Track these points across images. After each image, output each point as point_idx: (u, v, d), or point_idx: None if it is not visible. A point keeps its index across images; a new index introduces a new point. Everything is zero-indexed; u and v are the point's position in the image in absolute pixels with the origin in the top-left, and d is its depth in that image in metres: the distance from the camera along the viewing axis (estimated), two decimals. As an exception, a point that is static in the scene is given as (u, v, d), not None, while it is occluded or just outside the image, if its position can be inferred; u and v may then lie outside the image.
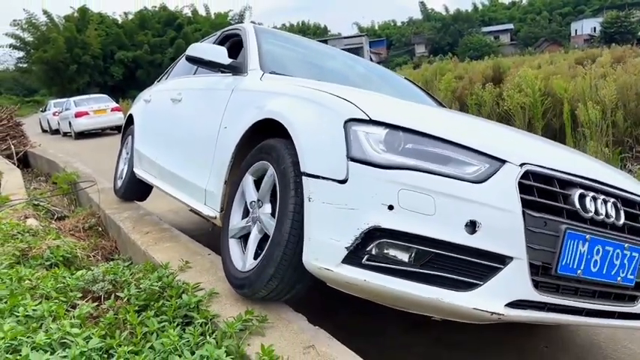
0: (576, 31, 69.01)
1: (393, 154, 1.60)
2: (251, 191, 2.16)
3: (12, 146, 9.07)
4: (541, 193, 1.64)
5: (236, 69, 2.81)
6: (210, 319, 1.87)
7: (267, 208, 2.05)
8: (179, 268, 2.41)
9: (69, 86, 41.12)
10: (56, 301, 2.15)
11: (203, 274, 2.34)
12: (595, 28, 62.90)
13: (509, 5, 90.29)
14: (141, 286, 2.21)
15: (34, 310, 1.98)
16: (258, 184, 2.16)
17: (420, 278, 1.55)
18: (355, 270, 1.57)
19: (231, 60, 2.84)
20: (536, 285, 1.61)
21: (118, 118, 17.52)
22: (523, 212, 1.56)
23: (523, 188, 1.59)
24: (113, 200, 4.30)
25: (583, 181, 1.76)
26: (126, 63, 46.09)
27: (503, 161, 1.62)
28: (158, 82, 4.69)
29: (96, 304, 2.18)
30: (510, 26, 78.69)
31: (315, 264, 1.64)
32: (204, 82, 3.25)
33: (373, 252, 1.56)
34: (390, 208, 1.53)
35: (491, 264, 1.55)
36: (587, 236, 1.67)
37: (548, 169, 1.69)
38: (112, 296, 2.17)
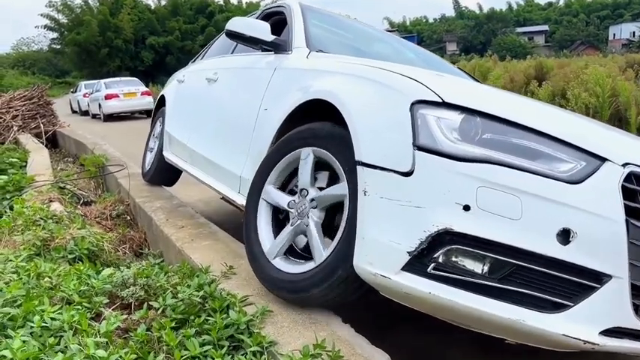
0: (614, 35, 67.05)
1: (469, 143, 1.37)
2: (282, 196, 1.95)
3: (41, 125, 8.87)
4: None
5: (279, 47, 2.59)
6: (266, 348, 1.50)
7: (315, 191, 1.82)
8: (222, 275, 2.05)
9: (100, 69, 41.36)
10: (79, 307, 1.81)
11: (251, 284, 1.97)
12: (634, 32, 60.97)
13: (545, 6, 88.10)
14: (178, 294, 1.85)
15: (52, 319, 1.64)
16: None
17: (498, 294, 1.31)
18: (418, 280, 1.35)
19: (274, 37, 2.60)
20: (637, 310, 1.36)
21: (148, 102, 17.36)
22: (626, 221, 1.31)
23: (626, 193, 1.34)
24: (144, 187, 3.98)
25: None
26: (156, 48, 46.20)
27: (603, 159, 1.37)
28: (193, 62, 4.42)
29: (125, 314, 1.83)
30: (545, 27, 76.89)
31: (368, 269, 1.42)
32: (243, 60, 3.05)
33: (441, 259, 1.34)
34: (466, 208, 1.30)
35: (585, 282, 1.31)
36: None
37: None
38: (145, 305, 1.82)
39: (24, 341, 1.49)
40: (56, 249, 2.51)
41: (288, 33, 2.68)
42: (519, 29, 73.95)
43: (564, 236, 1.29)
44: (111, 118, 16.96)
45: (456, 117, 1.41)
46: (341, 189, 1.68)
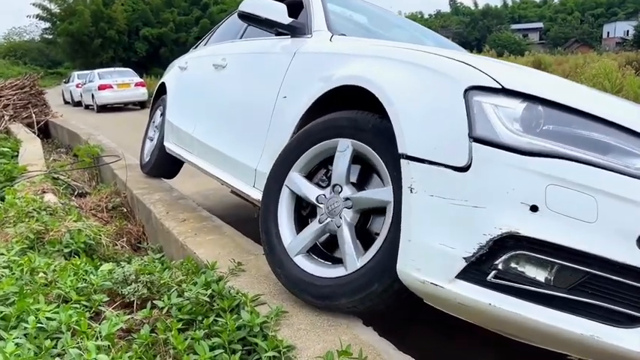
0: (608, 33, 67.29)
1: (533, 135, 1.22)
2: (310, 187, 1.78)
3: (33, 115, 8.66)
4: None
5: (297, 30, 2.41)
6: (284, 353, 1.38)
7: (350, 190, 1.66)
8: (229, 271, 1.92)
9: (93, 60, 40.82)
10: (76, 305, 1.67)
11: (261, 282, 1.85)
12: (628, 31, 61.08)
13: (540, 3, 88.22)
14: (184, 293, 1.73)
15: (48, 319, 1.51)
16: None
17: (568, 306, 1.17)
18: (476, 289, 1.21)
19: (291, 19, 2.42)
20: None
21: (142, 94, 17.11)
22: None
23: None
24: (141, 179, 3.83)
25: None
26: (150, 40, 45.68)
27: None
28: (195, 49, 4.21)
29: (127, 313, 1.70)
30: (540, 25, 77.04)
31: (416, 275, 1.28)
32: (256, 45, 2.83)
33: (501, 267, 1.19)
34: (534, 209, 1.16)
35: None
36: None
37: None
38: (148, 305, 1.69)
39: (18, 344, 1.36)
40: (51, 242, 2.36)
41: (305, 16, 2.51)
42: (514, 26, 74.13)
43: None
44: (104, 109, 16.68)
45: (518, 105, 1.26)
46: (385, 194, 1.51)
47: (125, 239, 3.14)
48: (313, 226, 1.71)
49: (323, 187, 1.77)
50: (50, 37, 46.80)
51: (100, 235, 2.55)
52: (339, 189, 1.66)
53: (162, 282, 1.81)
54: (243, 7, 2.45)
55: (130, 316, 1.68)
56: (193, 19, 47.71)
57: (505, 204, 1.18)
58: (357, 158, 1.68)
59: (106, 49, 42.97)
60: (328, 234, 1.70)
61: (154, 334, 1.53)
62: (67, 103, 21.85)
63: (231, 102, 2.81)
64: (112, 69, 19.35)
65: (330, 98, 1.83)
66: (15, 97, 8.94)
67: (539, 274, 1.20)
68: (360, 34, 2.54)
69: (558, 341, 1.23)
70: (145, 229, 3.20)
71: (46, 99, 9.79)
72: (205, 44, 4.00)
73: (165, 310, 1.65)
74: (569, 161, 1.18)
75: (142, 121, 4.71)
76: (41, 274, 1.93)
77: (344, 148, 1.66)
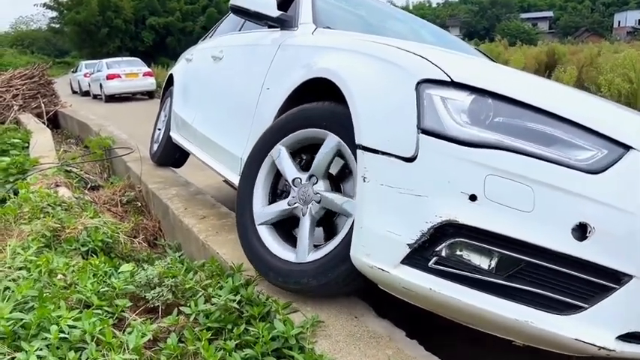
0: (619, 22, 66.42)
1: (479, 127, 1.26)
2: (291, 166, 1.79)
3: (42, 105, 8.59)
4: None
5: (285, 23, 2.46)
6: (324, 368, 1.28)
7: (324, 184, 1.69)
8: (257, 274, 1.82)
9: (100, 49, 40.79)
10: (99, 311, 1.59)
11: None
12: (639, 20, 60.24)
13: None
14: (212, 298, 1.63)
15: (70, 326, 1.42)
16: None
17: (506, 293, 1.22)
18: (418, 274, 1.26)
19: (280, 12, 2.48)
20: None
21: (150, 83, 17.01)
22: None
23: None
24: (156, 172, 3.74)
25: None
26: (157, 29, 45.52)
27: (627, 147, 1.24)
28: (202, 40, 4.24)
29: (152, 320, 1.61)
30: (550, 14, 76.15)
31: (365, 261, 1.33)
32: (249, 37, 2.92)
33: (444, 253, 1.24)
34: (473, 198, 1.20)
35: (603, 282, 1.20)
36: None
37: None
38: (174, 311, 1.60)
39: (40, 357, 1.27)
40: (68, 240, 2.28)
41: (295, 8, 2.55)
42: (523, 15, 73.27)
43: (581, 232, 1.18)
44: (112, 99, 16.59)
45: (466, 98, 1.30)
46: (349, 206, 1.56)
47: (141, 235, 3.06)
48: (281, 205, 1.77)
49: (303, 171, 1.77)
50: (57, 26, 46.82)
51: (117, 232, 2.46)
52: (315, 180, 1.69)
53: (187, 286, 1.71)
54: (233, 1, 2.47)
55: (156, 325, 1.60)
56: (200, 8, 47.49)
57: (446, 193, 1.23)
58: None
59: (113, 39, 42.89)
60: (294, 216, 1.75)
61: (182, 345, 1.44)
62: (74, 92, 21.79)
63: (223, 93, 2.89)
64: (120, 58, 19.23)
65: (310, 91, 1.83)
66: (24, 87, 8.86)
67: (478, 261, 1.23)
68: (350, 27, 2.51)
69: (496, 326, 1.27)
70: (161, 225, 3.11)
71: (55, 89, 9.72)
72: (211, 36, 4.04)
73: (192, 318, 1.56)
74: (509, 152, 1.21)
75: (150, 111, 4.68)
76: (60, 276, 1.85)
77: (331, 143, 1.65)
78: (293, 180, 1.75)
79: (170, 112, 3.88)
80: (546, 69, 13.36)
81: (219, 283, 1.78)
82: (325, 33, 2.23)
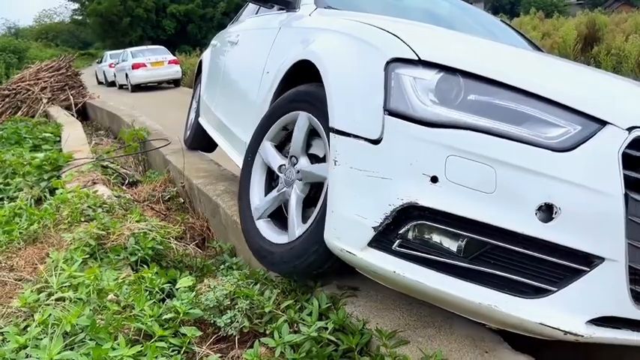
0: (652, -10, 63.84)
1: (447, 107, 1.22)
2: (274, 155, 1.84)
3: (70, 97, 8.43)
4: None
5: (290, 4, 2.46)
6: None
7: (304, 161, 1.70)
8: (341, 292, 1.53)
9: (122, 39, 40.91)
10: (162, 344, 1.31)
11: (387, 305, 1.45)
12: (673, -13, 57.72)
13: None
14: (297, 324, 1.34)
15: (133, 369, 1.15)
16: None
17: (470, 276, 1.18)
18: (384, 257, 1.25)
19: None
20: (637, 297, 1.17)
21: (175, 71, 16.82)
22: (626, 196, 1.13)
23: (630, 162, 1.15)
24: (199, 165, 3.47)
25: None
26: (178, 17, 45.36)
27: (604, 122, 1.18)
28: (230, 25, 4.18)
29: (225, 352, 1.33)
30: (578, -16, 73.63)
31: (336, 244, 1.33)
32: (260, 21, 2.97)
33: (409, 236, 1.22)
34: (434, 180, 1.19)
35: (572, 265, 1.15)
36: None
37: None
38: (256, 343, 1.31)
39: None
40: (114, 249, 2.02)
41: None
42: (550, -13, 70.95)
43: (547, 212, 1.13)
44: (138, 88, 16.46)
45: (433, 76, 1.26)
46: (323, 170, 1.53)
47: (188, 235, 2.80)
48: (273, 194, 1.78)
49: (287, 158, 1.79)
50: (80, 17, 47.12)
51: (169, 238, 2.19)
52: (295, 160, 1.70)
53: (266, 309, 1.42)
54: None
55: (228, 348, 1.32)
56: (220, -6, 47.13)
57: (408, 175, 1.21)
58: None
59: (135, 28, 42.95)
60: (285, 201, 1.74)
61: (270, 389, 1.15)
62: (100, 83, 21.78)
63: (235, 77, 2.93)
64: (144, 47, 19.02)
65: (304, 75, 1.77)
66: (52, 79, 8.71)
67: (442, 244, 1.20)
68: (359, 7, 2.37)
69: (462, 310, 1.24)
70: (209, 224, 2.84)
71: (82, 80, 9.56)
72: (236, 21, 4.01)
73: (278, 352, 1.27)
74: (472, 131, 1.17)
75: (178, 99, 4.61)
76: (111, 296, 1.59)
77: (301, 121, 1.69)
78: (279, 168, 1.78)
79: (199, 98, 3.93)
80: (586, 42, 12.66)
81: (297, 303, 1.49)
82: (323, 13, 2.18)
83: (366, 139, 1.29)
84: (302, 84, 1.77)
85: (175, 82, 17.07)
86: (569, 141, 1.16)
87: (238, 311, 1.42)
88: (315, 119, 1.61)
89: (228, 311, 1.43)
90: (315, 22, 2.11)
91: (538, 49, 3.12)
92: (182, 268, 2.15)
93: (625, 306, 1.16)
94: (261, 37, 2.60)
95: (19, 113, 7.79)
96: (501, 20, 3.46)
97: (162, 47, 18.86)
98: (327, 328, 1.31)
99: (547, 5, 57.69)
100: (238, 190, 1.93)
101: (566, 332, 1.14)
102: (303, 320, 1.37)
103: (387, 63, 1.31)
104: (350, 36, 1.58)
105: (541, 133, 1.17)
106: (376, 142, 1.26)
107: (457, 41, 1.65)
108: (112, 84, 19.53)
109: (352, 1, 2.47)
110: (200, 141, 3.89)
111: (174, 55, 19.49)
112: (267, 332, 1.37)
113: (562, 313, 1.15)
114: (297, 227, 1.60)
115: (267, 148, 1.86)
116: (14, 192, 3.30)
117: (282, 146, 1.88)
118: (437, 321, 1.37)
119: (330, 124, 1.40)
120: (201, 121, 3.69)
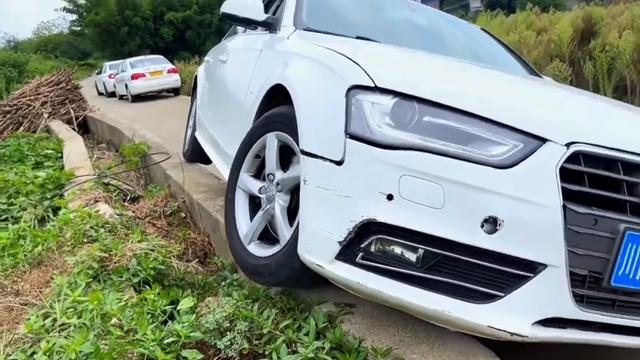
0: (649, -20, 63.64)
1: (401, 130, 1.31)
2: (252, 182, 1.95)
3: (71, 111, 8.50)
4: (596, 181, 1.27)
5: (271, 26, 2.53)
6: None
7: (280, 174, 1.79)
8: (337, 309, 1.56)
9: (121, 49, 41.02)
10: (165, 368, 1.35)
11: (382, 322, 1.49)
12: (671, -23, 57.54)
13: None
14: (295, 345, 1.38)
15: (137, 396, 1.19)
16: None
17: (426, 284, 1.28)
18: (349, 269, 1.34)
19: (267, 16, 2.55)
20: (581, 299, 1.28)
21: (174, 80, 16.91)
22: (564, 207, 1.22)
23: (568, 175, 1.24)
24: (198, 179, 3.51)
25: None
26: (175, 24, 45.43)
27: (544, 140, 1.27)
28: (223, 39, 4.30)
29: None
30: (575, -23, 73.51)
31: (307, 258, 1.43)
32: (246, 41, 3.06)
33: (371, 249, 1.32)
34: (389, 198, 1.28)
35: (517, 272, 1.24)
36: None
37: (610, 149, 1.30)
38: (254, 365, 1.35)
39: None
40: (116, 271, 2.06)
41: (282, 8, 2.60)
42: (547, -20, 70.81)
43: (492, 225, 1.22)
44: (138, 98, 16.53)
45: (388, 101, 1.35)
46: (298, 170, 1.59)
47: (190, 251, 2.85)
48: (258, 214, 1.85)
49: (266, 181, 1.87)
50: (78, 28, 47.20)
51: (170, 257, 2.23)
52: (272, 177, 1.79)
53: (264, 329, 1.46)
54: (223, 8, 2.52)
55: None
56: (217, 0, 47.25)
57: (367, 194, 1.30)
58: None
59: (133, 37, 43.03)
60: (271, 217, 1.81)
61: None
62: (100, 94, 21.88)
63: (222, 95, 3.07)
64: (143, 57, 19.12)
65: (282, 96, 1.83)
66: (52, 94, 8.78)
67: (402, 255, 1.29)
68: (339, 25, 2.44)
69: (422, 315, 1.33)
70: (210, 239, 2.88)
71: (82, 93, 9.62)
72: (228, 36, 4.14)
73: (277, 374, 1.31)
74: (423, 152, 1.26)
75: (178, 108, 4.71)
76: (114, 320, 1.63)
77: (270, 140, 1.80)
78: (259, 190, 1.87)
79: (195, 113, 4.08)
80: (582, 36, 12.65)
81: (295, 322, 1.53)
82: (301, 36, 2.25)
83: (331, 161, 1.38)
84: (282, 104, 1.85)
85: (175, 91, 17.15)
86: (511, 158, 1.25)
87: (238, 333, 1.46)
88: (291, 138, 1.69)
89: (228, 333, 1.47)
90: (291, 45, 2.18)
91: (516, 55, 3.22)
92: (184, 286, 2.19)
93: (568, 307, 1.26)
94: (246, 57, 2.71)
95: (21, 129, 7.86)
96: (481, 29, 3.52)
97: (161, 56, 18.95)
98: (324, 348, 1.35)
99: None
100: (225, 229, 2.00)
101: (512, 334, 1.23)
102: (301, 340, 1.40)
103: (348, 90, 1.41)
104: (316, 62, 1.70)
105: (486, 151, 1.27)
106: (339, 163, 1.36)
107: (416, 64, 1.77)
108: (112, 94, 19.63)
109: (330, 22, 2.50)
110: (198, 154, 3.94)
111: (173, 63, 19.59)
112: (267, 353, 1.41)
113: (509, 316, 1.24)
114: (287, 232, 1.68)
115: (245, 179, 1.96)
116: (18, 212, 3.36)
117: (258, 175, 1.98)
118: (431, 337, 1.41)
119: (300, 146, 1.49)
120: (197, 135, 3.81)
